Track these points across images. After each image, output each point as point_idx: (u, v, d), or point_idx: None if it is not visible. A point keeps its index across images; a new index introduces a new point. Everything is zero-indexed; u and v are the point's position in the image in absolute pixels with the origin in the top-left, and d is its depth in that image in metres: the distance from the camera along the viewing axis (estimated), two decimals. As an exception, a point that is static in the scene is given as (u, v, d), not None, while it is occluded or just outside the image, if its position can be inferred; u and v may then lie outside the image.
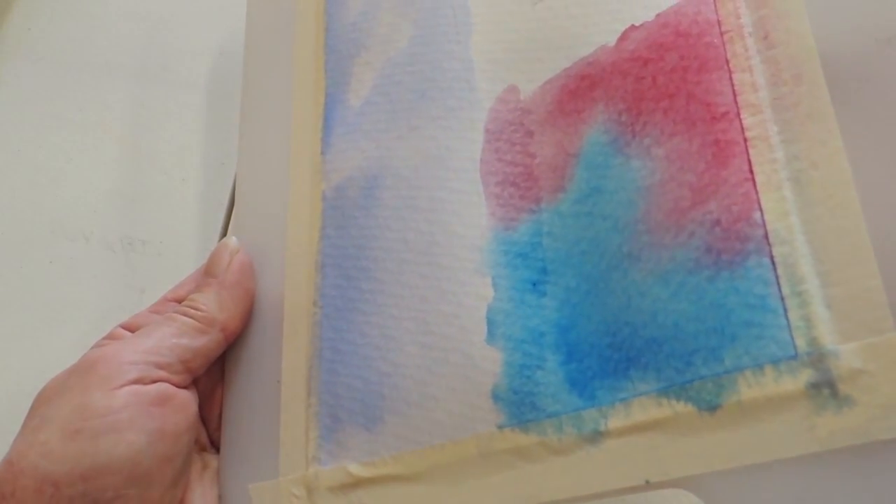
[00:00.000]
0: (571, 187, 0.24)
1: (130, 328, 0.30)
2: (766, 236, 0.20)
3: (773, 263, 0.20)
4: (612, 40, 0.24)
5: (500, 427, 0.24)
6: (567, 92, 0.25)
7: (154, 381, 0.28)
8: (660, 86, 0.23)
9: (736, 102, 0.21)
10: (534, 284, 0.24)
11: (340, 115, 0.30)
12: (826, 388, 0.19)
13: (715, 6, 0.23)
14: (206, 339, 0.29)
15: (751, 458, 0.19)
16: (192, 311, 0.30)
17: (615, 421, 0.21)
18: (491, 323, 0.24)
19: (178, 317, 0.29)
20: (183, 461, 0.28)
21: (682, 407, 0.20)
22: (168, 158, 0.32)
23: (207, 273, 0.31)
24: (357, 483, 0.26)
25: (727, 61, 0.22)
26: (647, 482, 0.20)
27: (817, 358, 0.19)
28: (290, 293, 0.30)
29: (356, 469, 0.26)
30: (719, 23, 0.22)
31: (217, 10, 0.37)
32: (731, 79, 0.22)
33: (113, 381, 0.27)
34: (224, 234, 0.32)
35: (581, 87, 0.25)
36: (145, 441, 0.26)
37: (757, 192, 0.20)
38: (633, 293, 0.22)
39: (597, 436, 0.22)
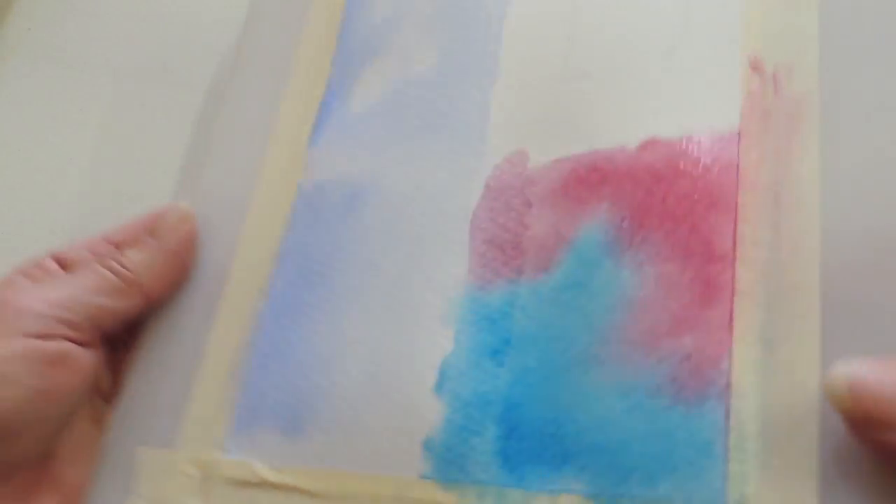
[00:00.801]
0: (556, 271, 0.25)
1: (61, 262, 0.29)
2: (728, 386, 0.21)
3: (728, 413, 0.21)
4: (633, 144, 0.25)
5: (423, 477, 0.24)
6: (576, 177, 0.26)
7: (55, 338, 0.26)
8: (668, 207, 0.24)
9: (734, 251, 0.23)
10: (494, 352, 0.25)
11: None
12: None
13: (738, 151, 0.24)
14: (124, 303, 0.28)
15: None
16: (120, 268, 0.28)
17: (537, 507, 0.22)
18: (442, 375, 0.25)
19: (103, 271, 0.28)
20: (61, 420, 0.27)
21: (605, 515, 0.21)
22: (169, 158, 0.31)
23: (150, 231, 0.29)
24: (259, 484, 0.26)
25: (736, 208, 0.23)
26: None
27: (741, 513, 0.20)
28: (238, 273, 0.29)
29: (263, 470, 0.26)
30: (738, 168, 0.24)
31: (218, 10, 0.36)
32: (735, 226, 0.23)
33: (11, 328, 0.25)
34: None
35: (591, 179, 0.25)
36: (23, 399, 0.25)
37: (731, 343, 0.22)
38: (590, 395, 0.23)
39: (515, 516, 0.22)
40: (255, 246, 0.29)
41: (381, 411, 0.25)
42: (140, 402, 0.29)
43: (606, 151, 0.26)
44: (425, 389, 0.25)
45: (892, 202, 0.21)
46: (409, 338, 0.26)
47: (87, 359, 0.27)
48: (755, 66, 0.25)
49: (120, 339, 0.30)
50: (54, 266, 0.28)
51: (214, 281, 0.29)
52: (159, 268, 0.29)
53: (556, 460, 0.23)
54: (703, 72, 0.25)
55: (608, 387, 0.23)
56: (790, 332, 0.21)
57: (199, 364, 0.29)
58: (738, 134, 0.24)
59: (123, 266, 0.28)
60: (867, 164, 0.22)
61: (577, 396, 0.23)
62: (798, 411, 0.21)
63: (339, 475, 0.25)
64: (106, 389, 0.30)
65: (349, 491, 0.25)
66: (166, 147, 0.30)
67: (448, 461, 0.24)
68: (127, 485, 0.27)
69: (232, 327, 0.28)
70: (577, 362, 0.23)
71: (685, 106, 0.25)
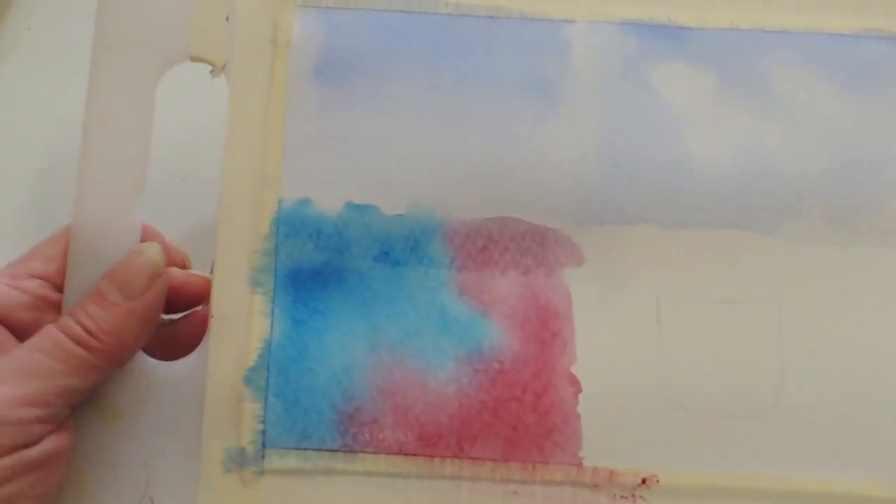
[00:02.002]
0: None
1: (8, 324, 0.26)
2: None
3: None
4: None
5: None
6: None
7: (39, 441, 0.24)
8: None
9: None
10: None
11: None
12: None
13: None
14: (94, 378, 0.25)
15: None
16: (84, 336, 0.25)
17: None
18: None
19: (68, 344, 0.24)
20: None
21: None
22: (168, 158, 0.31)
23: (117, 287, 0.25)
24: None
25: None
26: None
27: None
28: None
29: None
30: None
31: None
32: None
33: None
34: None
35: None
36: None
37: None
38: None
39: None
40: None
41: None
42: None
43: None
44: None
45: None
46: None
47: (67, 440, 0.25)
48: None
49: None
50: (5, 335, 0.25)
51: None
52: (130, 334, 0.25)
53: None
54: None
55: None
56: None
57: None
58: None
59: (88, 331, 0.25)
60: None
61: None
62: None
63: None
64: None
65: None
66: (166, 146, 0.30)
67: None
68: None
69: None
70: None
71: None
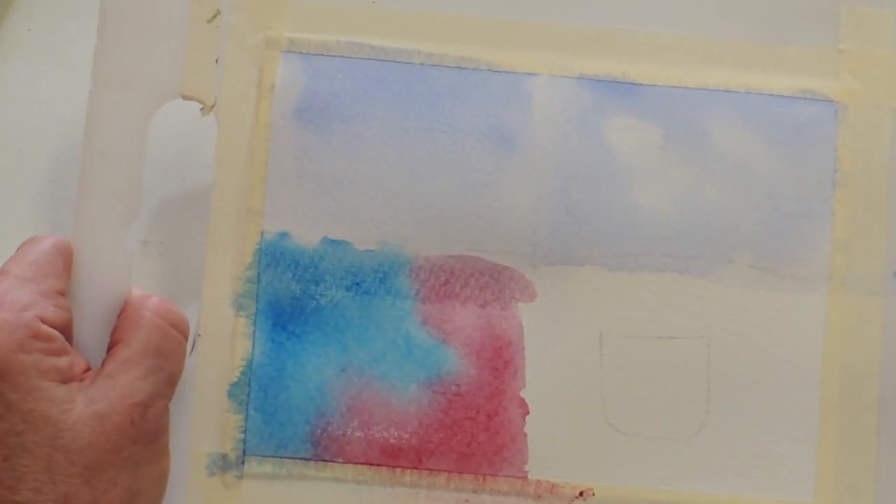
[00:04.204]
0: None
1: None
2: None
3: None
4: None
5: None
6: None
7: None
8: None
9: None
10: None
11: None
12: None
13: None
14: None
15: None
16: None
17: None
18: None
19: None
20: None
21: None
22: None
23: (156, 352, 0.28)
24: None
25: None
26: None
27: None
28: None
29: None
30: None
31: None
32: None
33: None
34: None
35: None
36: None
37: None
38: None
39: None
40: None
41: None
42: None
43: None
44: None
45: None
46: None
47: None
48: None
49: None
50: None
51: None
52: (167, 400, 0.28)
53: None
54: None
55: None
56: None
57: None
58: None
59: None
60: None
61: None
62: None
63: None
64: None
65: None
66: (166, 147, 0.32)
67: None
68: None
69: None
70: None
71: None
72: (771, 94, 0.31)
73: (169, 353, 0.28)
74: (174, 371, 0.29)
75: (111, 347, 0.28)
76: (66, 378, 0.27)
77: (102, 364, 0.28)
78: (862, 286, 0.30)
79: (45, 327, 0.27)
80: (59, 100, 0.36)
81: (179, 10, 0.30)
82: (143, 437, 0.27)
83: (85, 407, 0.26)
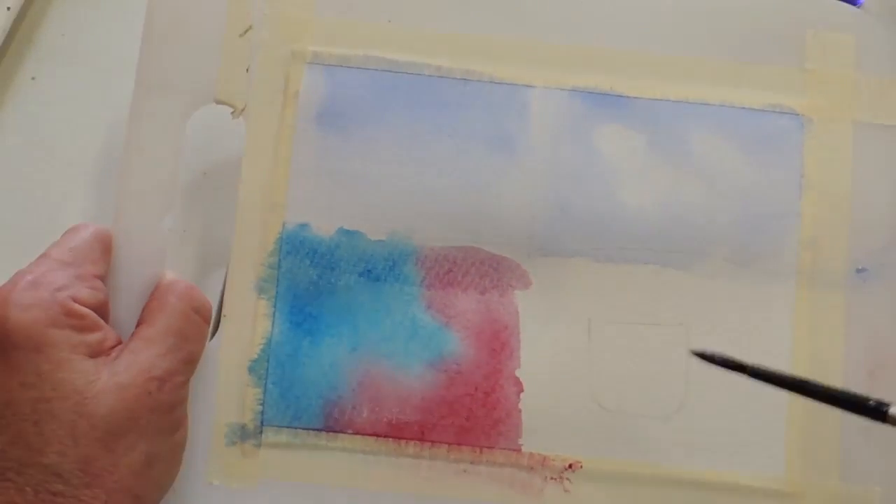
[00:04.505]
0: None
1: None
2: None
3: None
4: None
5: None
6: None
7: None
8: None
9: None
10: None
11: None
12: None
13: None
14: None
15: None
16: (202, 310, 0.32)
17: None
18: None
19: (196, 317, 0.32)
20: None
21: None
22: (189, 154, 0.34)
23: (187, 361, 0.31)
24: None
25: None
26: None
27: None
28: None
29: None
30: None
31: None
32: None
33: None
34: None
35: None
36: None
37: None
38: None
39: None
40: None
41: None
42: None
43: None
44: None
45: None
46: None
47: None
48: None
49: None
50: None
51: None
52: (185, 377, 0.31)
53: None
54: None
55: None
56: None
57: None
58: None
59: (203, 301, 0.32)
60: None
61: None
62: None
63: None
64: None
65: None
66: (186, 143, 0.33)
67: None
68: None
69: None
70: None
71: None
72: (744, 108, 0.34)
73: (189, 334, 0.31)
74: (193, 351, 0.31)
75: (138, 326, 0.31)
76: (94, 353, 0.29)
77: (128, 341, 0.31)
78: (827, 281, 0.33)
79: (77, 306, 0.29)
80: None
81: (215, 24, 0.34)
82: (160, 407, 0.30)
83: (108, 378, 0.29)
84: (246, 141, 0.34)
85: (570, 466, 0.32)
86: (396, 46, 0.34)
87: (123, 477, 0.28)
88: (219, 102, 0.34)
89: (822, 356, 0.33)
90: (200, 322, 0.32)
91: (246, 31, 0.34)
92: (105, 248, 0.32)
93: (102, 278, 0.32)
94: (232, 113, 0.34)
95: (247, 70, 0.34)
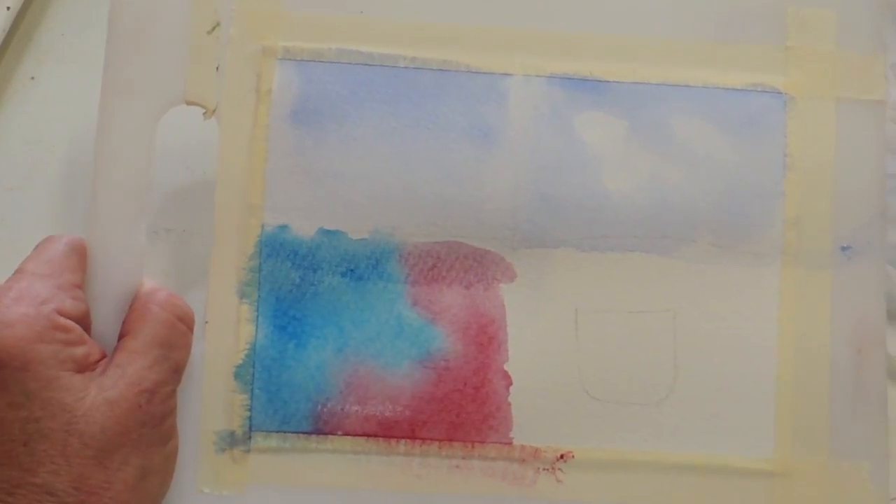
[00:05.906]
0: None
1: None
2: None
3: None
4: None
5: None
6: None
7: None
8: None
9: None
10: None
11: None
12: None
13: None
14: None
15: None
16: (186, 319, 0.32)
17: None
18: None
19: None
20: None
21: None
22: (191, 154, 0.34)
23: (163, 343, 0.31)
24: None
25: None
26: None
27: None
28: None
29: None
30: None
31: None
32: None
33: None
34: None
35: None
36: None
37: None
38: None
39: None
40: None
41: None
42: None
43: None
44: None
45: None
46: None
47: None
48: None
49: None
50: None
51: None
52: (173, 386, 0.31)
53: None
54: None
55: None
56: None
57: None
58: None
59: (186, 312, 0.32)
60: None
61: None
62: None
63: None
64: None
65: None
66: (188, 143, 0.33)
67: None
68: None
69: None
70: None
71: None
72: (725, 88, 0.34)
73: (174, 343, 0.31)
74: (179, 360, 0.31)
75: (121, 337, 0.31)
76: (81, 367, 0.29)
77: (113, 354, 0.30)
78: (812, 260, 0.33)
79: (62, 319, 0.29)
80: (90, 101, 0.36)
81: (181, 22, 0.33)
82: (151, 420, 0.29)
83: (97, 394, 0.29)
84: (219, 142, 0.33)
85: (562, 457, 0.32)
86: (370, 39, 0.33)
87: (118, 493, 0.28)
88: (189, 103, 0.33)
89: (809, 335, 0.33)
90: (185, 330, 0.31)
91: (213, 29, 0.33)
92: (81, 256, 0.31)
93: (81, 287, 0.31)
94: (203, 114, 0.33)
95: (217, 69, 0.33)
